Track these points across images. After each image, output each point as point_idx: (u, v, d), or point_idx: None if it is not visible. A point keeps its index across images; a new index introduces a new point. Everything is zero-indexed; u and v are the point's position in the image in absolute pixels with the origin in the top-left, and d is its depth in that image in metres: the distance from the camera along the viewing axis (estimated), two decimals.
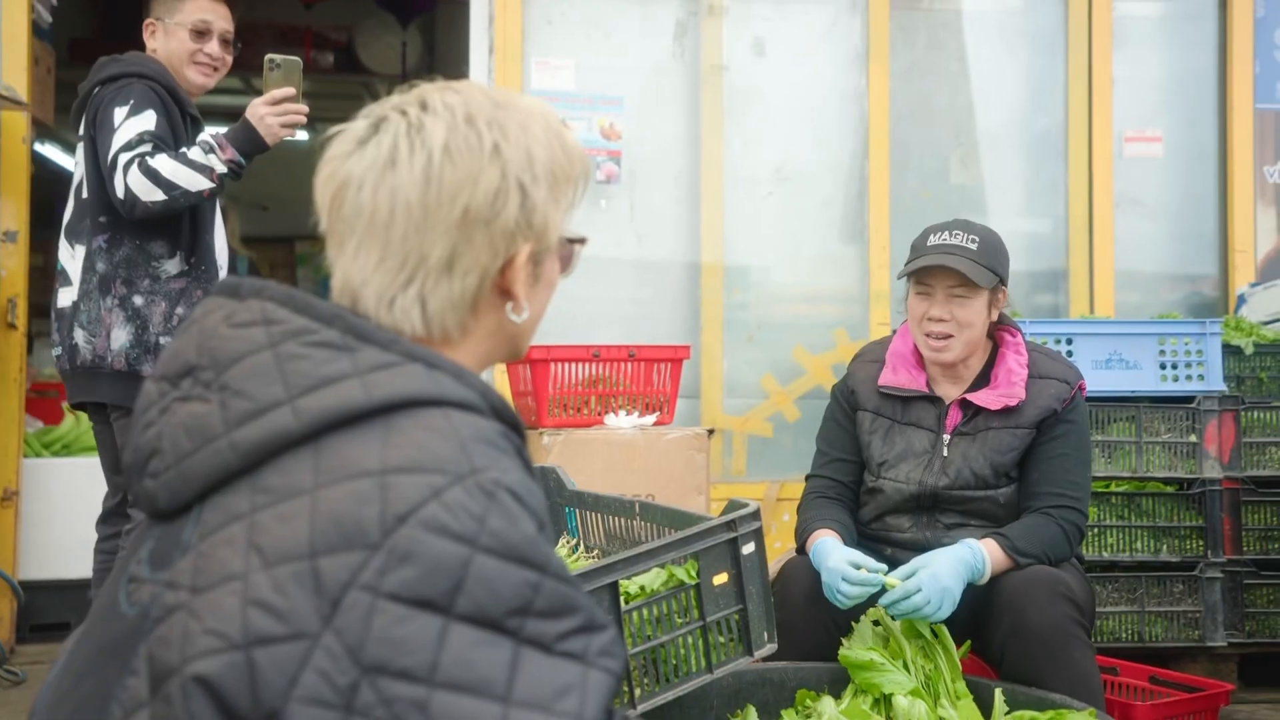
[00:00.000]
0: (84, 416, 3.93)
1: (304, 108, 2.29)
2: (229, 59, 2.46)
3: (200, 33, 2.39)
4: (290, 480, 0.77)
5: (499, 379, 3.23)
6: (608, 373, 2.77)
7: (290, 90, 2.27)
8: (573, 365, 2.72)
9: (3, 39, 3.37)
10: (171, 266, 2.35)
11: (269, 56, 2.28)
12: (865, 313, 3.65)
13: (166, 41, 2.40)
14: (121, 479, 2.39)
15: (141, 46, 2.46)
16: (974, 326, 1.96)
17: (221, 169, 2.26)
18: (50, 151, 7.33)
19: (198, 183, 2.24)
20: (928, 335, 1.98)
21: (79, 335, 2.32)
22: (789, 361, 3.62)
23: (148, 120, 2.25)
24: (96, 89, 2.36)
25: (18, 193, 3.41)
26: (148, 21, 2.44)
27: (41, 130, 4.11)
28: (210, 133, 2.31)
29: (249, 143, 2.28)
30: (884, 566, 1.80)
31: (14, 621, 3.40)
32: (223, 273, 2.50)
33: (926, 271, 1.97)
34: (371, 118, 0.90)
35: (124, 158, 2.21)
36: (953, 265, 1.92)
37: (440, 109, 0.88)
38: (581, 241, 0.97)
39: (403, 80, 0.95)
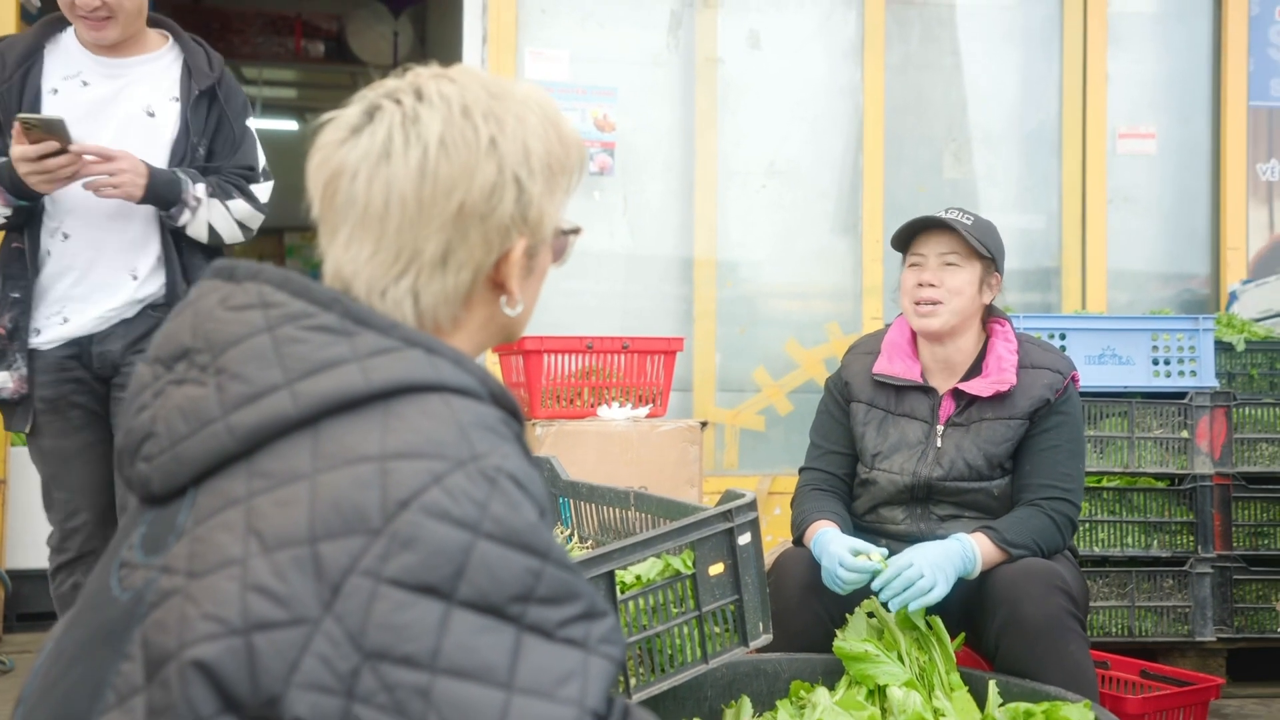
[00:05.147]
0: None
1: (70, 159, 2.05)
2: (120, 3, 2.15)
3: None
4: (288, 465, 0.76)
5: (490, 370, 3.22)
6: (601, 364, 2.76)
7: (50, 145, 2.04)
8: (566, 357, 2.71)
9: None
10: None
11: (20, 116, 2.05)
12: (858, 307, 3.65)
13: None
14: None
15: None
16: (963, 295, 1.97)
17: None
18: None
19: None
20: (917, 303, 1.99)
21: None
22: (781, 355, 3.62)
23: None
24: None
25: None
26: None
27: None
28: None
29: (19, 191, 2.11)
30: (885, 551, 1.81)
31: (1, 610, 3.37)
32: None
33: (919, 241, 2.00)
34: (365, 104, 0.88)
35: None
36: (947, 221, 1.96)
37: (436, 100, 0.87)
38: (576, 232, 0.96)
39: (394, 70, 0.94)
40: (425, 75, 0.90)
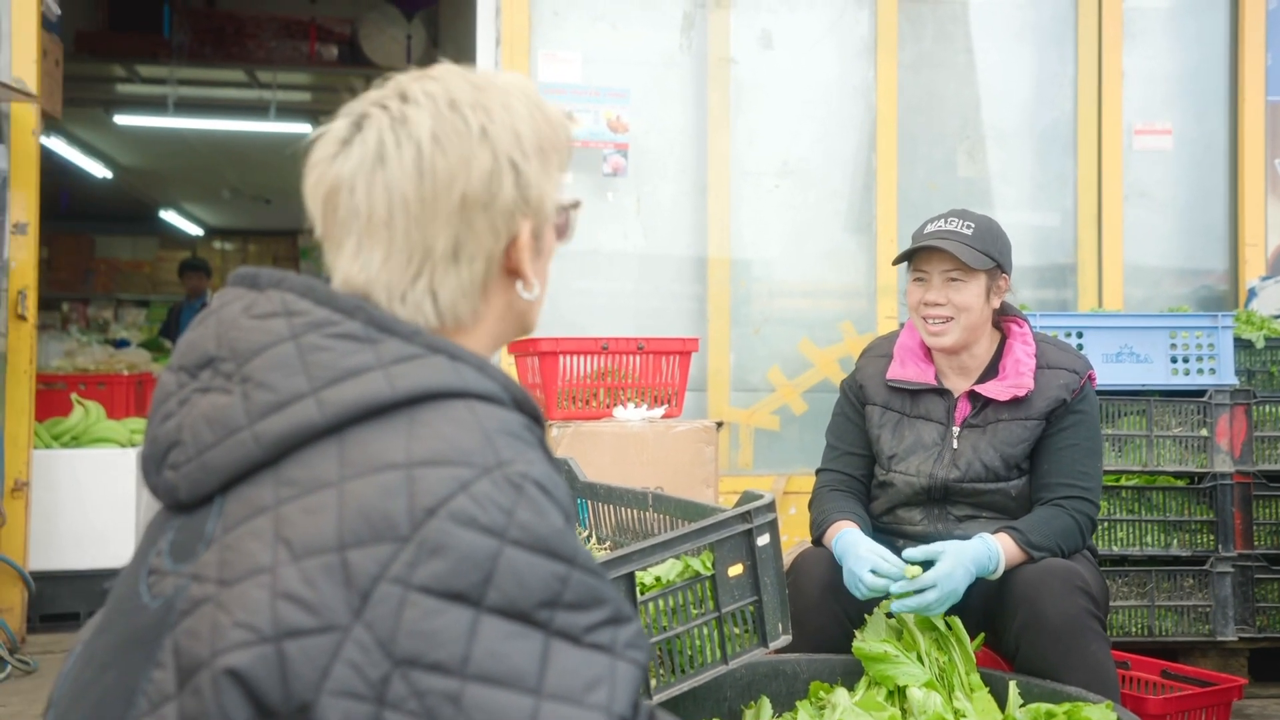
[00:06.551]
0: (93, 407, 3.94)
1: None
2: None
3: None
4: (315, 473, 0.77)
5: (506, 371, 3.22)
6: (616, 365, 2.76)
7: None
8: (581, 358, 2.72)
9: (12, 32, 3.36)
10: None
11: None
12: (872, 306, 3.64)
13: None
14: None
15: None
16: (971, 310, 1.96)
17: None
18: (55, 144, 7.31)
19: None
20: (925, 319, 1.98)
21: None
22: (795, 355, 3.61)
23: None
24: None
25: (28, 185, 3.40)
26: None
27: (48, 123, 4.10)
28: None
29: None
30: (908, 566, 1.79)
31: (24, 611, 3.41)
32: None
33: (922, 257, 1.99)
34: (351, 116, 0.89)
35: None
36: (945, 248, 1.93)
37: (421, 99, 0.88)
38: (575, 205, 0.97)
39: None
40: (406, 79, 0.91)
